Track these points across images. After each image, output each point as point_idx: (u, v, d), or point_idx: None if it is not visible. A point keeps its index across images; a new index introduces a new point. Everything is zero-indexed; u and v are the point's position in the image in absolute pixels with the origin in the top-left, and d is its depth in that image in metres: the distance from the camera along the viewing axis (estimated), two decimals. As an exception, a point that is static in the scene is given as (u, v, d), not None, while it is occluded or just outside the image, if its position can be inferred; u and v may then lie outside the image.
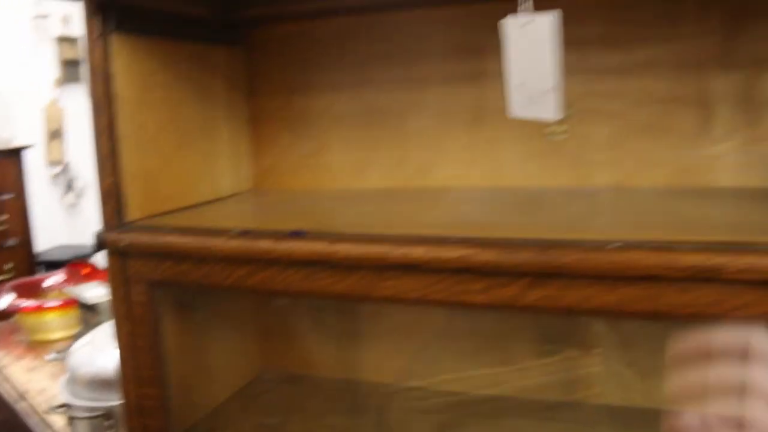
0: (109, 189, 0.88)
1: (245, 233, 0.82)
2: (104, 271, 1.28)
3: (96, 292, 1.76)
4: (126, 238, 0.86)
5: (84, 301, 1.76)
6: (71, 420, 1.27)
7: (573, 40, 0.95)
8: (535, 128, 0.99)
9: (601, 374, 1.08)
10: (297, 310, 1.22)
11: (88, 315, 1.75)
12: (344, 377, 1.21)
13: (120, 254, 0.87)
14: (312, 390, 1.20)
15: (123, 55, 0.87)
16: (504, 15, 0.82)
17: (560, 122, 0.97)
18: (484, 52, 1.00)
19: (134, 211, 0.90)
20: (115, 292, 0.89)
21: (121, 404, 0.94)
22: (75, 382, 1.28)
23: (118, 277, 0.88)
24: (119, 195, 0.88)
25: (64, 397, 1.28)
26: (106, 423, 1.25)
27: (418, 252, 0.71)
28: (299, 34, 1.10)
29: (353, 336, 1.20)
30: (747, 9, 0.90)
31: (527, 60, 0.66)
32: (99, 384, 1.24)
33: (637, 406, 1.06)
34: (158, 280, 0.87)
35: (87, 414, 1.23)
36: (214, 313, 1.12)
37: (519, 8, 0.68)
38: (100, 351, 1.28)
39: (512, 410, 1.09)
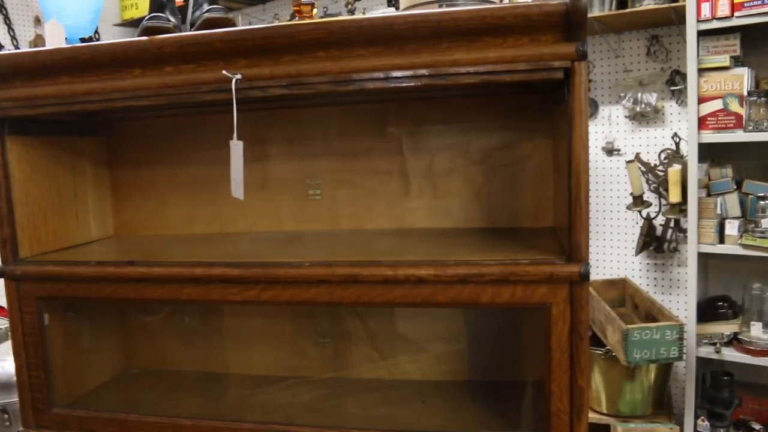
0: (6, 237, 1.32)
1: (98, 263, 1.29)
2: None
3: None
4: (18, 269, 1.31)
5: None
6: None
7: (323, 135, 1.48)
8: (301, 192, 1.50)
9: (358, 356, 1.58)
10: (150, 318, 1.68)
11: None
12: (183, 369, 1.67)
13: (14, 279, 1.32)
14: (168, 380, 1.65)
15: (15, 150, 1.33)
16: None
17: (316, 188, 1.49)
18: (265, 142, 1.51)
19: (25, 251, 1.35)
20: (11, 305, 1.33)
21: (16, 401, 1.37)
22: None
23: (13, 295, 1.33)
24: (14, 240, 1.33)
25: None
26: (5, 416, 1.66)
27: (198, 271, 1.20)
28: (144, 127, 1.58)
29: (195, 335, 1.67)
30: (423, 117, 1.45)
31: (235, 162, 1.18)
32: (-1, 385, 1.67)
33: (381, 378, 1.57)
34: (42, 296, 1.32)
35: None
36: (88, 318, 1.57)
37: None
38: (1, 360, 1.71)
39: (308, 385, 1.57)
